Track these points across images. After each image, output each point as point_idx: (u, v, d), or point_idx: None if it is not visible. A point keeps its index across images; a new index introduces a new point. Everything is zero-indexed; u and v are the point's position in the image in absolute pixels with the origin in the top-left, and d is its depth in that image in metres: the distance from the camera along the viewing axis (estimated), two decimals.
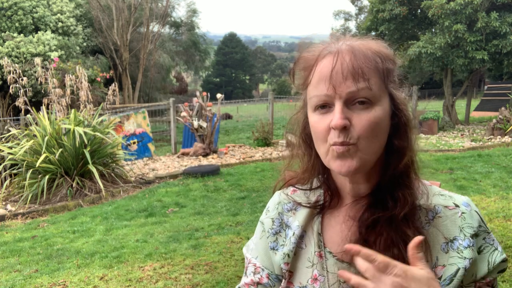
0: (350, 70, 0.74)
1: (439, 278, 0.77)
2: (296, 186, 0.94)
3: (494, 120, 11.03)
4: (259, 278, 0.90)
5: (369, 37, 0.82)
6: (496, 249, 0.81)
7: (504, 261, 0.81)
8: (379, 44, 0.80)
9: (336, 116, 0.74)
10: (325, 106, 0.77)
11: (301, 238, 0.88)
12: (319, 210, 0.89)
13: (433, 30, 13.76)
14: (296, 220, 0.89)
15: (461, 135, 11.67)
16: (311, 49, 0.82)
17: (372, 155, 0.77)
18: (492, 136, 10.66)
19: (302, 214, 0.89)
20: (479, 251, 0.80)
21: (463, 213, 0.80)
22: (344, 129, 0.74)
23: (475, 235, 0.79)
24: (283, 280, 0.88)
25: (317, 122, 0.78)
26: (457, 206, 0.81)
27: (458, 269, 0.77)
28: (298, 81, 0.85)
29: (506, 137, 10.36)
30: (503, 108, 11.21)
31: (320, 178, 0.90)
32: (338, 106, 0.74)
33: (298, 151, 0.91)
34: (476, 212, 0.82)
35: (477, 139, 10.57)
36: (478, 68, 13.19)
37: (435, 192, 0.84)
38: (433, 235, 0.80)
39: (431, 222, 0.81)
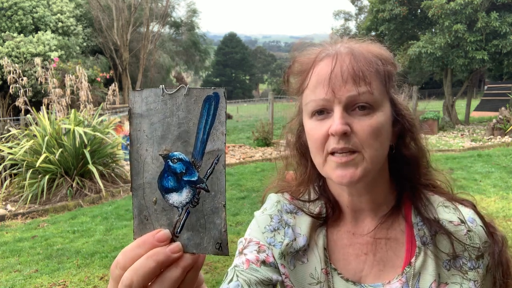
0: (350, 73, 0.69)
1: None
2: (293, 195, 0.88)
3: (494, 120, 11.03)
4: (265, 257, 0.80)
5: (368, 39, 0.77)
6: (502, 266, 0.78)
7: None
8: (379, 47, 0.75)
9: (335, 122, 0.69)
10: (322, 112, 0.72)
11: (303, 252, 0.82)
12: (322, 222, 0.83)
13: (433, 30, 13.77)
14: (298, 227, 0.83)
15: (461, 135, 11.67)
16: (306, 52, 0.77)
17: (376, 164, 0.72)
18: (492, 136, 10.66)
19: (304, 222, 0.83)
20: (488, 270, 0.76)
21: (469, 231, 0.76)
22: (345, 135, 0.69)
23: (480, 256, 0.75)
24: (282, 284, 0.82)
25: (314, 128, 0.73)
26: (462, 222, 0.76)
27: None
28: (293, 86, 0.79)
29: (506, 137, 10.36)
30: (503, 108, 11.21)
31: (316, 188, 0.85)
32: (337, 111, 0.69)
33: (293, 161, 0.86)
34: (482, 226, 0.77)
35: (477, 139, 10.57)
36: (478, 68, 13.20)
37: (439, 203, 0.79)
38: (436, 251, 0.76)
39: (433, 237, 0.76)
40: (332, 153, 0.71)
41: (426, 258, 0.75)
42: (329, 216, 0.83)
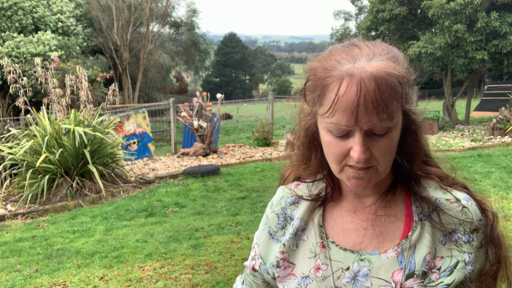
0: (373, 103, 0.71)
1: (438, 269, 0.79)
2: (300, 180, 0.96)
3: (494, 120, 11.03)
4: (253, 264, 0.98)
5: (385, 52, 0.76)
6: (495, 244, 0.83)
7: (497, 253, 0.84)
8: (399, 65, 0.75)
9: (358, 150, 0.73)
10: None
11: (302, 231, 0.89)
12: (321, 202, 0.90)
13: (433, 30, 13.76)
14: (298, 212, 0.91)
15: (461, 135, 11.67)
16: (324, 65, 0.76)
17: (386, 172, 0.79)
18: (492, 136, 10.66)
19: (303, 206, 0.91)
20: (481, 246, 0.81)
21: (464, 207, 0.82)
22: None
23: (475, 230, 0.81)
24: (278, 269, 0.90)
25: (333, 145, 0.77)
26: (458, 199, 0.82)
27: (458, 262, 0.79)
28: (309, 98, 0.81)
29: (506, 137, 10.36)
30: (503, 108, 11.21)
31: (324, 173, 0.92)
32: (359, 138, 0.73)
33: (303, 151, 0.90)
34: (476, 206, 0.83)
35: (477, 139, 10.57)
36: (478, 68, 13.19)
37: (436, 186, 0.85)
38: (432, 226, 0.81)
39: (431, 213, 0.82)
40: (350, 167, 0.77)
41: (423, 233, 0.81)
42: (327, 196, 0.90)
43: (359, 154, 0.73)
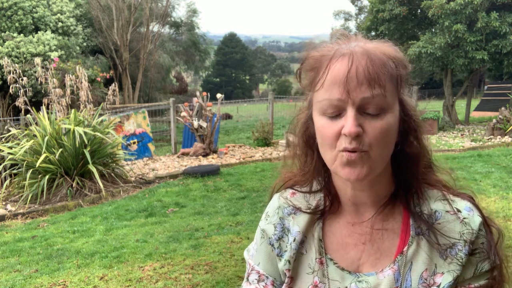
0: (366, 75, 0.70)
1: (438, 286, 0.76)
2: (295, 188, 0.92)
3: (494, 120, 11.03)
4: (263, 286, 0.89)
5: (380, 40, 0.78)
6: (489, 258, 0.77)
7: (491, 270, 0.78)
8: (392, 49, 0.77)
9: (349, 123, 0.71)
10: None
11: (301, 244, 0.86)
12: (320, 215, 0.87)
13: (433, 30, 13.76)
14: (296, 225, 0.87)
15: (461, 135, 11.67)
16: (320, 48, 0.78)
17: (381, 163, 0.75)
18: (492, 136, 10.66)
19: (302, 219, 0.87)
20: (471, 253, 0.77)
21: (464, 218, 0.78)
22: (357, 136, 0.71)
23: (474, 242, 0.77)
24: (284, 285, 0.87)
25: (326, 127, 0.75)
26: (458, 211, 0.79)
27: (457, 276, 0.76)
28: (305, 81, 0.81)
29: (506, 137, 10.36)
30: (503, 108, 11.21)
31: (320, 180, 0.88)
32: (351, 112, 0.71)
33: (300, 152, 0.88)
34: (479, 216, 0.79)
35: (477, 139, 10.57)
36: (478, 68, 13.19)
37: (437, 197, 0.81)
38: (431, 241, 0.78)
39: (429, 227, 0.78)
40: (343, 151, 0.74)
41: (419, 248, 0.78)
42: (326, 209, 0.86)
43: (350, 127, 0.70)
